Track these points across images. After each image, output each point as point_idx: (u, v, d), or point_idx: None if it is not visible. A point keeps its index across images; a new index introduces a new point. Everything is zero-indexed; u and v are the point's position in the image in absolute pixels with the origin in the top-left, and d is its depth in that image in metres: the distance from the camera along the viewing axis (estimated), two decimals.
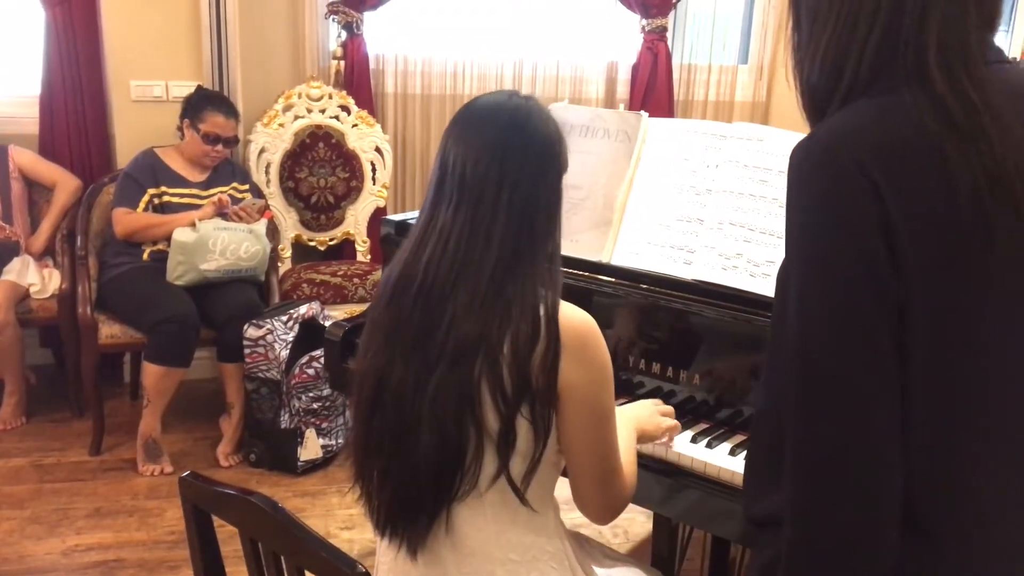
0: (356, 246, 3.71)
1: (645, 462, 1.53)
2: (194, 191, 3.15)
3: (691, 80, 4.16)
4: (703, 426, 1.63)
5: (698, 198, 1.72)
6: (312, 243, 3.67)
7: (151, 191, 3.09)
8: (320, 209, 3.65)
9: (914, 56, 0.89)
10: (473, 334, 1.17)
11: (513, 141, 1.22)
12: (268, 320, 2.90)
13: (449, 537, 1.24)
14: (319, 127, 3.60)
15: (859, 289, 0.85)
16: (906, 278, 0.85)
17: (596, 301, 1.75)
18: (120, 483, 2.88)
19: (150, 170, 3.11)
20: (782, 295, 0.95)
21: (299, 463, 2.93)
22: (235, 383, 3.01)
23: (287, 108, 3.56)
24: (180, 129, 3.17)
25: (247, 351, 2.89)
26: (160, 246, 3.05)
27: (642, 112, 1.87)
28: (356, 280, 3.39)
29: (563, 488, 1.29)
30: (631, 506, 1.38)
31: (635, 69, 4.02)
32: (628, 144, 1.83)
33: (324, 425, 2.97)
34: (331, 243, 3.71)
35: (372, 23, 3.69)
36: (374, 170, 3.68)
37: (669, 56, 4.01)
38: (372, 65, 3.72)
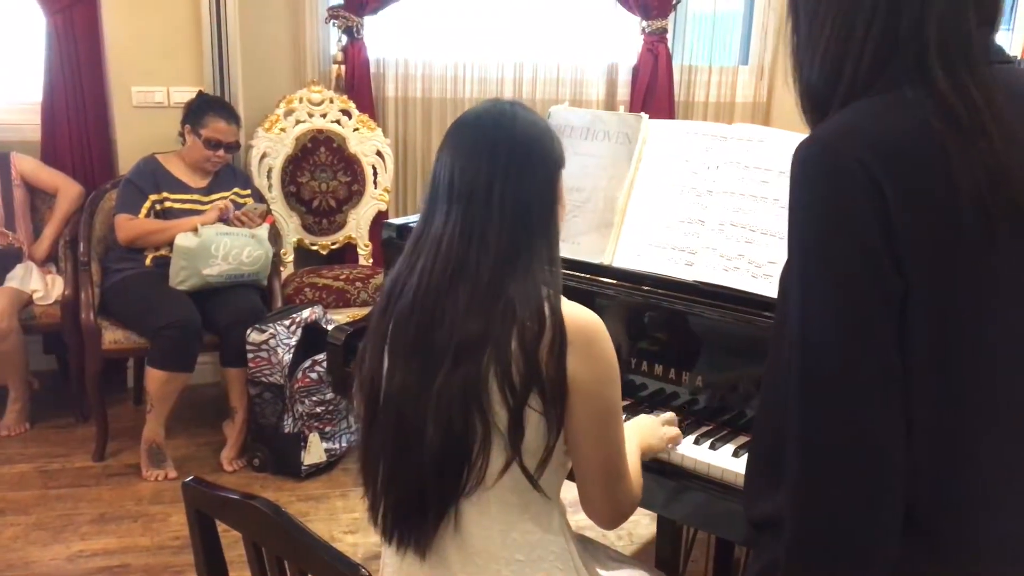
0: (358, 250, 3.72)
1: (648, 464, 1.53)
2: (196, 196, 3.15)
3: (692, 81, 4.16)
4: (706, 428, 1.63)
5: (699, 199, 1.72)
6: (314, 247, 3.68)
7: (153, 197, 3.10)
8: (322, 213, 3.66)
9: (914, 55, 0.89)
10: (477, 331, 1.17)
11: (499, 142, 1.23)
12: (271, 324, 2.91)
13: (456, 536, 1.24)
14: (320, 131, 3.61)
15: (861, 287, 0.86)
16: (908, 276, 0.85)
17: (598, 303, 1.75)
18: (124, 488, 2.88)
19: (152, 176, 3.12)
20: (784, 295, 0.95)
21: (303, 467, 2.93)
22: (238, 388, 3.01)
23: (288, 113, 3.57)
24: (181, 135, 3.18)
25: (250, 356, 2.90)
26: (163, 251, 3.06)
27: (642, 114, 1.87)
28: (358, 284, 3.40)
29: (569, 490, 1.29)
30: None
31: (635, 71, 4.02)
32: (629, 146, 1.83)
33: (327, 429, 2.97)
34: (333, 247, 3.71)
35: (372, 27, 3.70)
36: (375, 174, 3.68)
37: (669, 57, 4.02)
38: (373, 69, 3.73)
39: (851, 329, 0.86)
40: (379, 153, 3.68)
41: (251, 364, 2.91)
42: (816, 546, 0.90)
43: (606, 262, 1.78)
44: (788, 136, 1.67)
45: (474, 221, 1.21)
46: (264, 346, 2.88)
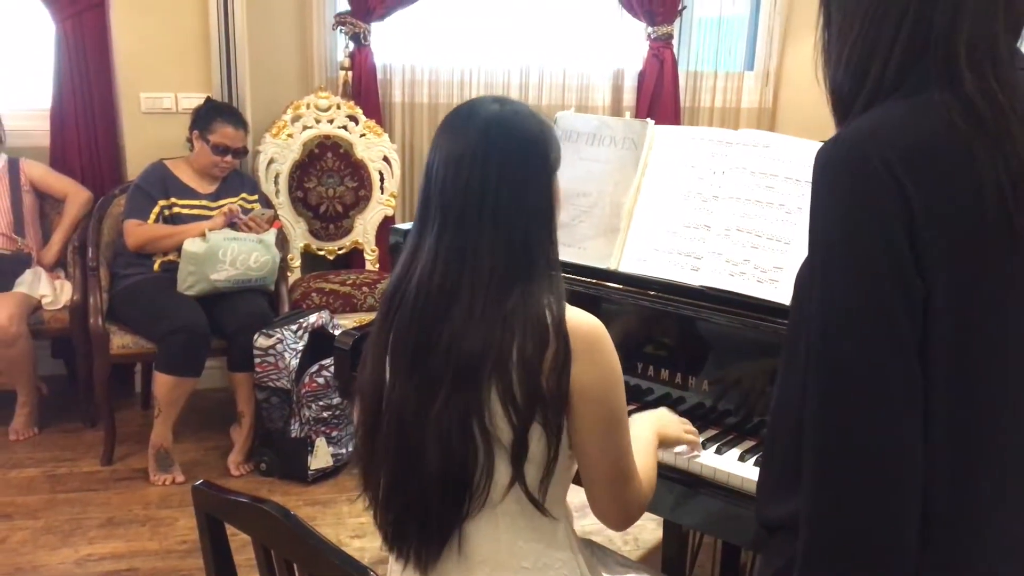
0: (365, 255, 3.73)
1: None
2: (204, 202, 3.17)
3: (697, 87, 4.16)
4: (712, 432, 1.64)
5: (705, 204, 1.73)
6: (321, 252, 3.69)
7: (161, 202, 3.11)
8: (329, 219, 3.67)
9: (943, 58, 0.89)
10: (475, 350, 1.15)
11: (491, 150, 1.17)
12: (278, 329, 2.92)
13: (461, 553, 1.23)
14: (327, 137, 3.62)
15: (883, 287, 0.86)
16: (930, 276, 0.86)
17: (604, 308, 1.76)
18: (132, 493, 2.89)
19: (160, 181, 3.14)
20: (801, 296, 0.95)
21: (309, 472, 2.94)
22: (245, 392, 3.02)
23: (295, 119, 3.58)
24: (189, 140, 3.20)
25: (257, 360, 2.91)
26: (171, 257, 3.07)
27: (648, 120, 1.88)
28: (365, 289, 3.41)
29: (577, 495, 1.29)
30: None
31: (641, 76, 4.03)
32: (635, 151, 1.84)
33: (334, 434, 2.98)
34: (340, 252, 3.72)
35: (379, 34, 3.71)
36: (382, 179, 3.70)
37: (675, 63, 4.03)
38: (379, 75, 3.75)
39: (872, 327, 0.86)
40: (386, 158, 3.69)
41: (258, 369, 2.92)
42: (834, 551, 0.89)
43: (612, 267, 1.78)
44: (793, 142, 1.68)
45: (467, 236, 1.17)
46: (271, 351, 2.89)
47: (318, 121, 3.61)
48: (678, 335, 1.71)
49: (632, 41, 4.04)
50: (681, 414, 1.69)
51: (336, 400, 2.94)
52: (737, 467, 1.52)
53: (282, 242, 3.39)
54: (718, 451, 1.56)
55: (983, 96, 0.87)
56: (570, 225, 1.83)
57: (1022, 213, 0.86)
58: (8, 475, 2.97)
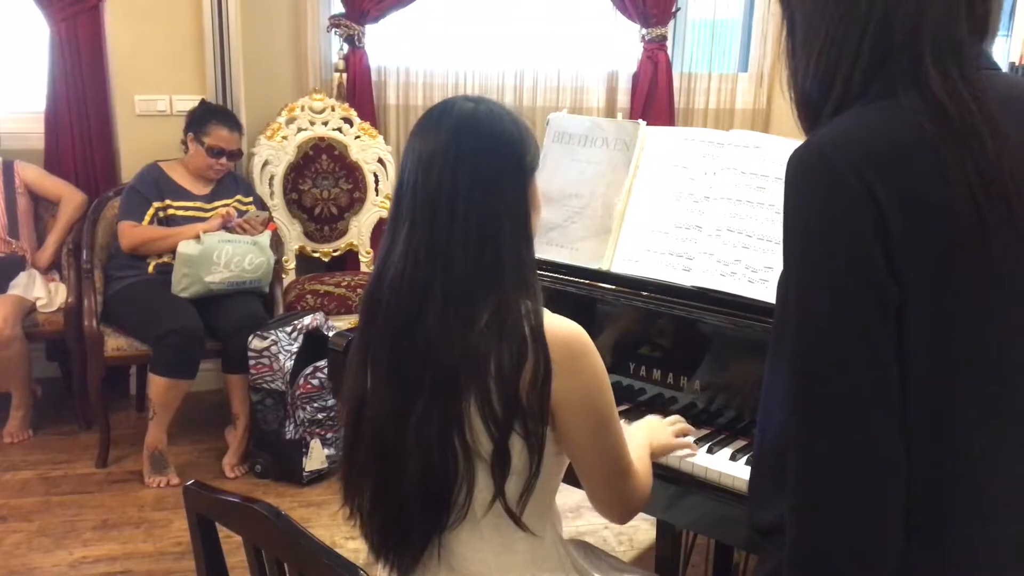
0: (359, 257, 3.73)
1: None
2: (198, 204, 3.17)
3: (691, 88, 4.17)
4: (704, 431, 1.64)
5: (696, 205, 1.74)
6: (316, 254, 3.69)
7: (156, 204, 3.12)
8: (323, 220, 3.68)
9: (908, 60, 0.90)
10: (451, 358, 1.12)
11: (461, 153, 1.14)
12: (272, 331, 2.92)
13: (444, 563, 1.23)
14: (322, 139, 3.62)
15: (856, 293, 0.86)
16: (903, 281, 0.86)
17: (596, 308, 1.76)
18: (127, 495, 2.89)
19: (155, 184, 3.14)
20: (782, 301, 0.96)
21: (304, 473, 2.94)
22: (240, 394, 3.02)
23: (290, 121, 3.59)
24: (184, 143, 3.20)
25: (252, 362, 2.91)
26: (165, 259, 3.08)
27: (640, 121, 1.88)
28: (359, 291, 3.41)
29: (570, 496, 1.29)
30: None
31: (635, 78, 4.04)
32: (626, 153, 1.84)
33: (329, 435, 2.98)
34: (335, 254, 3.72)
35: (374, 36, 3.72)
36: (377, 181, 3.70)
37: (669, 65, 4.03)
38: (374, 77, 3.75)
39: (846, 333, 0.86)
40: (380, 160, 3.70)
41: (253, 371, 2.92)
42: (818, 555, 0.90)
43: (604, 268, 1.79)
44: (784, 142, 1.68)
45: (437, 246, 1.13)
46: (266, 353, 2.89)
47: (312, 123, 3.62)
48: (670, 335, 1.71)
49: (626, 43, 4.05)
50: (672, 413, 1.70)
51: (331, 402, 2.94)
52: (729, 466, 1.52)
53: (277, 244, 3.39)
54: (710, 451, 1.57)
55: (949, 96, 0.88)
56: (562, 226, 1.84)
57: (993, 211, 0.86)
58: (2, 477, 2.96)
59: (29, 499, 2.84)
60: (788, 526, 0.92)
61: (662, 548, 1.95)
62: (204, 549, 1.27)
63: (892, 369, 0.86)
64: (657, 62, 3.99)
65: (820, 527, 0.89)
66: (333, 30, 3.65)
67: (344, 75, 3.67)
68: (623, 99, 4.08)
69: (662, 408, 1.72)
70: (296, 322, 2.98)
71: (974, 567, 0.93)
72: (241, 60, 3.44)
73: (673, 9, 3.98)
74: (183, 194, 3.17)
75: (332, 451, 2.99)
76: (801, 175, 0.91)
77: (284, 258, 3.56)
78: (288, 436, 2.92)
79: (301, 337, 2.95)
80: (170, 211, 3.13)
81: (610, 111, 4.05)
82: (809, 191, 0.90)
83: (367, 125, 3.67)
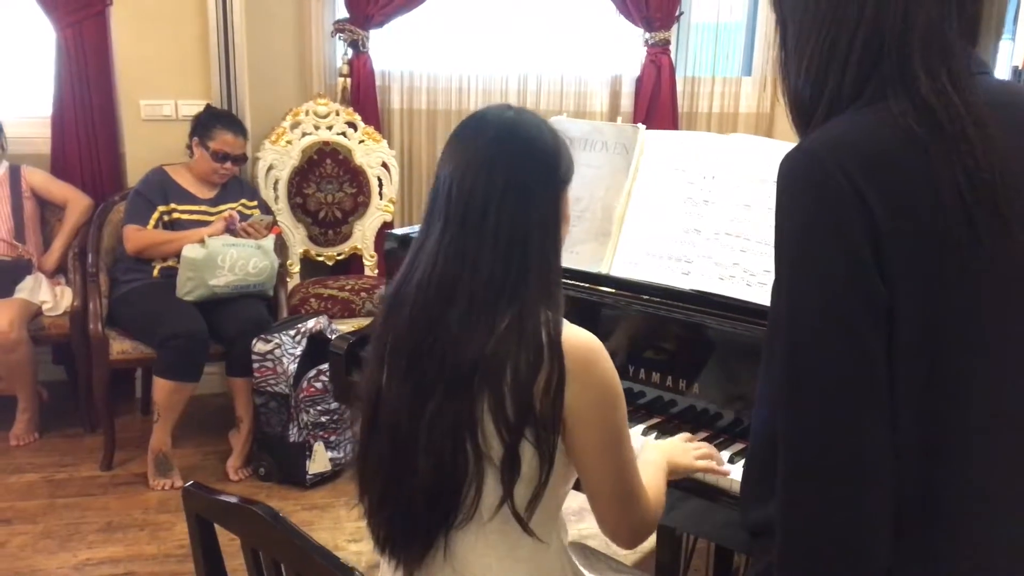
0: (364, 260, 3.74)
1: None
2: (203, 208, 3.19)
3: (695, 92, 4.17)
4: (704, 435, 1.64)
5: (695, 209, 1.74)
6: (320, 258, 3.71)
7: (161, 208, 3.13)
8: (328, 224, 3.69)
9: (898, 63, 0.90)
10: (469, 359, 1.14)
11: (498, 160, 1.17)
12: (276, 335, 2.93)
13: (448, 562, 1.23)
14: (326, 144, 3.64)
15: (847, 295, 0.86)
16: (893, 282, 0.86)
17: (596, 312, 1.77)
18: (131, 497, 2.90)
19: (160, 187, 3.16)
20: (774, 304, 0.96)
21: (308, 476, 2.95)
22: (244, 397, 3.04)
23: (295, 125, 3.60)
24: (189, 147, 3.22)
25: (256, 365, 2.92)
26: (170, 262, 3.09)
27: (639, 125, 1.89)
28: (363, 294, 3.42)
29: (575, 499, 1.28)
30: None
31: (639, 82, 4.04)
32: (626, 156, 1.85)
33: (332, 438, 2.99)
34: (339, 258, 3.74)
35: (378, 40, 3.74)
36: (381, 185, 3.71)
37: (672, 69, 4.04)
38: (378, 82, 3.76)
39: (836, 336, 0.87)
40: (384, 164, 3.71)
41: (257, 374, 2.93)
42: (809, 556, 0.90)
43: (604, 271, 1.79)
44: (782, 146, 1.69)
45: (467, 246, 1.15)
46: (270, 356, 2.91)
47: (317, 128, 3.63)
48: (669, 338, 1.72)
49: (629, 47, 4.05)
50: (673, 417, 1.70)
51: (334, 405, 2.95)
52: (728, 469, 1.52)
53: (281, 248, 3.41)
54: None
55: (938, 97, 0.88)
56: (568, 234, 1.84)
57: (981, 213, 0.87)
58: (8, 480, 2.98)
59: (34, 501, 2.86)
60: (777, 525, 0.92)
61: (662, 552, 1.96)
62: (203, 550, 1.28)
63: (881, 370, 0.87)
64: (660, 66, 3.99)
65: (809, 527, 0.90)
66: (337, 35, 3.66)
67: (348, 80, 3.69)
68: (626, 103, 4.08)
69: (661, 411, 1.73)
70: (300, 326, 3.00)
71: (966, 568, 0.93)
72: (246, 65, 3.45)
73: (676, 13, 3.99)
74: (188, 198, 3.19)
75: (335, 454, 3.00)
76: (792, 178, 0.92)
77: (288, 262, 3.57)
78: (292, 439, 2.93)
79: (305, 340, 2.96)
80: (175, 215, 3.15)
81: (613, 115, 4.06)
82: (800, 193, 0.90)
83: (371, 129, 3.68)
